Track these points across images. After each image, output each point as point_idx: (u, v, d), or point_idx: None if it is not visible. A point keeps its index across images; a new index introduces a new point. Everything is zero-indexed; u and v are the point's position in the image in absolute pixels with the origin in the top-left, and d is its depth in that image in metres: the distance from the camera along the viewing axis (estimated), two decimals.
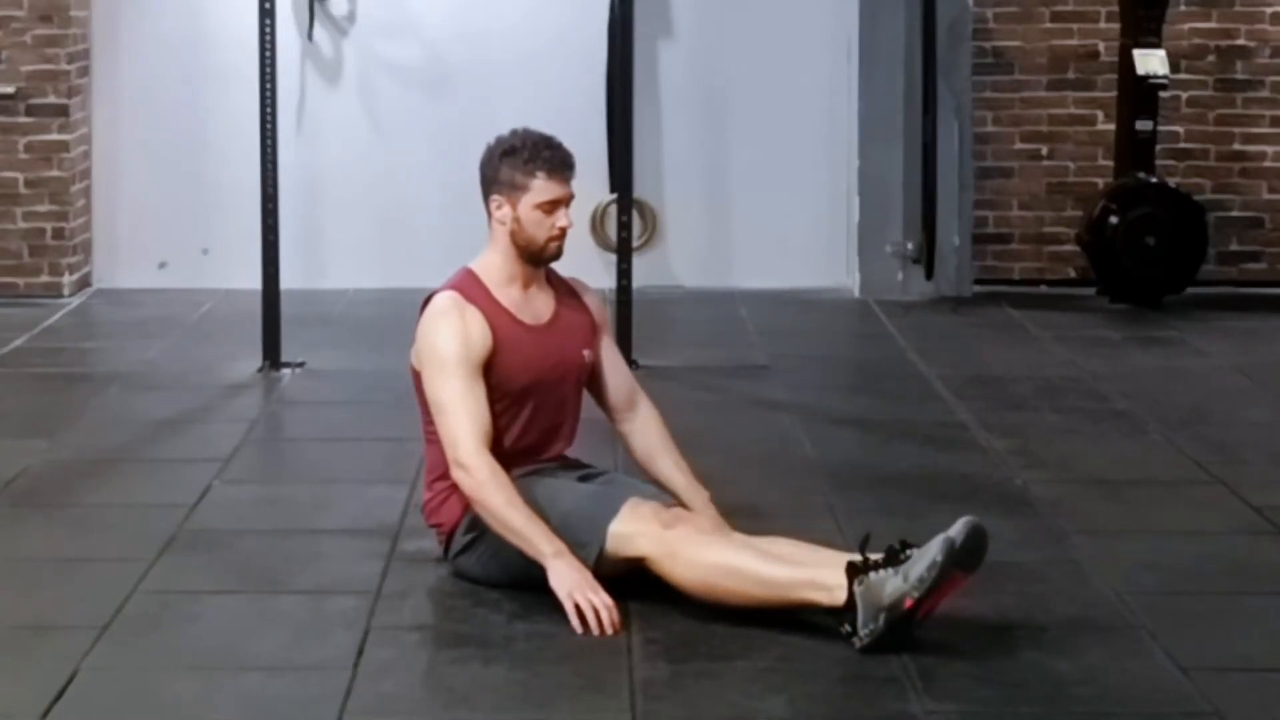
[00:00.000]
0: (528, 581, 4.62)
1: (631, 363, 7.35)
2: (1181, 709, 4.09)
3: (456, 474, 4.68)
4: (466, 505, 4.77)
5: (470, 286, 4.85)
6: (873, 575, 4.34)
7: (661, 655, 4.35)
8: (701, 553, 4.52)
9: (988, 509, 5.44)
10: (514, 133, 4.89)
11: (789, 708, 4.07)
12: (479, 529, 4.74)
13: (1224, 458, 6.16)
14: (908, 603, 4.28)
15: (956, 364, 7.65)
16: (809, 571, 4.44)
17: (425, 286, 4.97)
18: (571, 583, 4.52)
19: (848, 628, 4.34)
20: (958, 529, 4.35)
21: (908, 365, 7.66)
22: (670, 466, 4.97)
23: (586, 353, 4.97)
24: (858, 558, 4.39)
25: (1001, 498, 5.70)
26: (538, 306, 4.92)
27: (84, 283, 9.15)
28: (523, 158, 4.82)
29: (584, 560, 4.58)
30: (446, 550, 4.88)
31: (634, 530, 4.58)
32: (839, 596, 4.36)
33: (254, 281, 7.49)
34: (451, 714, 4.08)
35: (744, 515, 5.03)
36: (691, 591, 4.53)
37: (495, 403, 4.78)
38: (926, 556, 4.30)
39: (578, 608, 4.47)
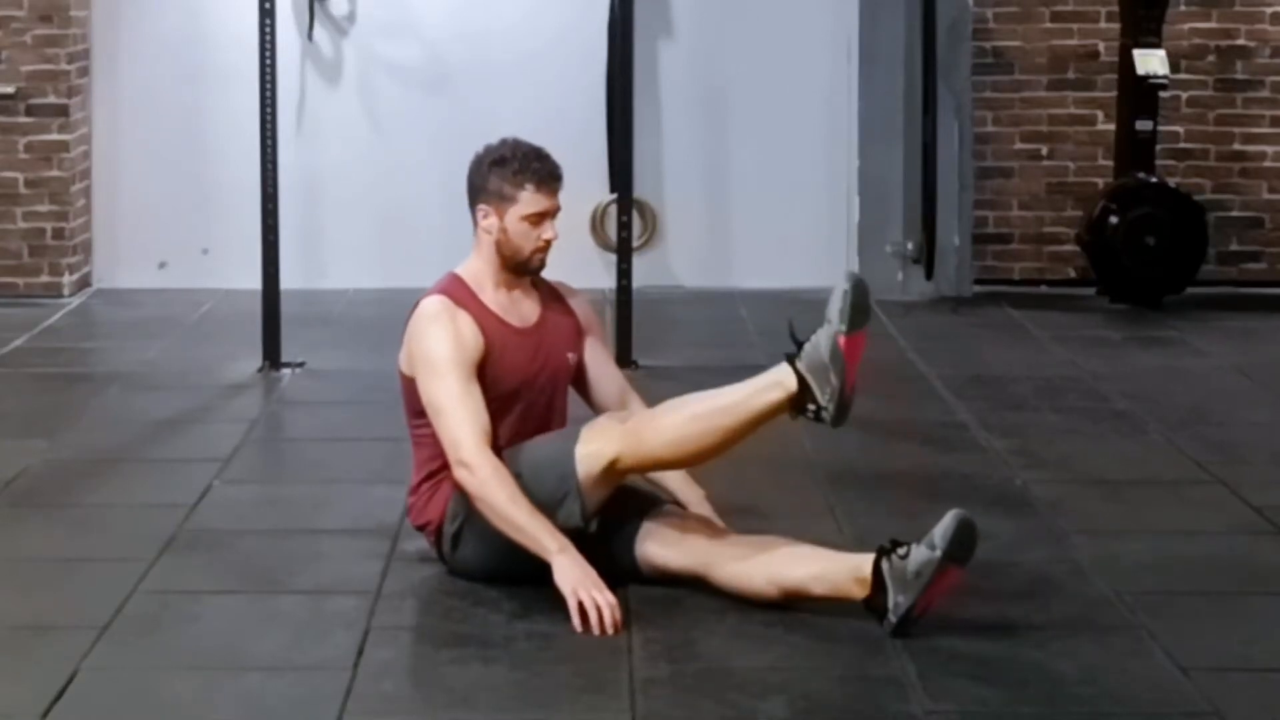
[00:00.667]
0: (521, 564, 4.62)
1: (632, 363, 7.37)
2: (1181, 709, 4.09)
3: (459, 473, 4.69)
4: (447, 499, 4.78)
5: (458, 291, 4.86)
6: (805, 346, 4.53)
7: (661, 655, 4.35)
8: (660, 422, 4.64)
9: (988, 509, 5.44)
10: (504, 143, 4.89)
11: (789, 708, 4.07)
12: (463, 515, 4.75)
13: (1224, 458, 6.16)
14: (841, 341, 4.48)
15: (956, 364, 7.65)
16: (758, 378, 4.60)
17: (425, 286, 4.97)
18: (575, 579, 4.52)
19: (811, 407, 4.52)
20: (944, 524, 4.38)
21: (908, 365, 7.67)
22: None
23: (571, 355, 4.99)
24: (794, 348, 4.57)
25: (1001, 498, 5.71)
26: (524, 309, 4.94)
27: (84, 283, 9.15)
28: (512, 169, 4.83)
29: (569, 496, 4.62)
30: (439, 550, 4.89)
31: (596, 442, 4.65)
32: (791, 383, 4.52)
33: (254, 281, 7.49)
34: (451, 714, 4.08)
35: (744, 515, 5.04)
36: (671, 458, 4.65)
37: (485, 405, 4.79)
38: (835, 292, 4.53)
39: (581, 606, 4.48)
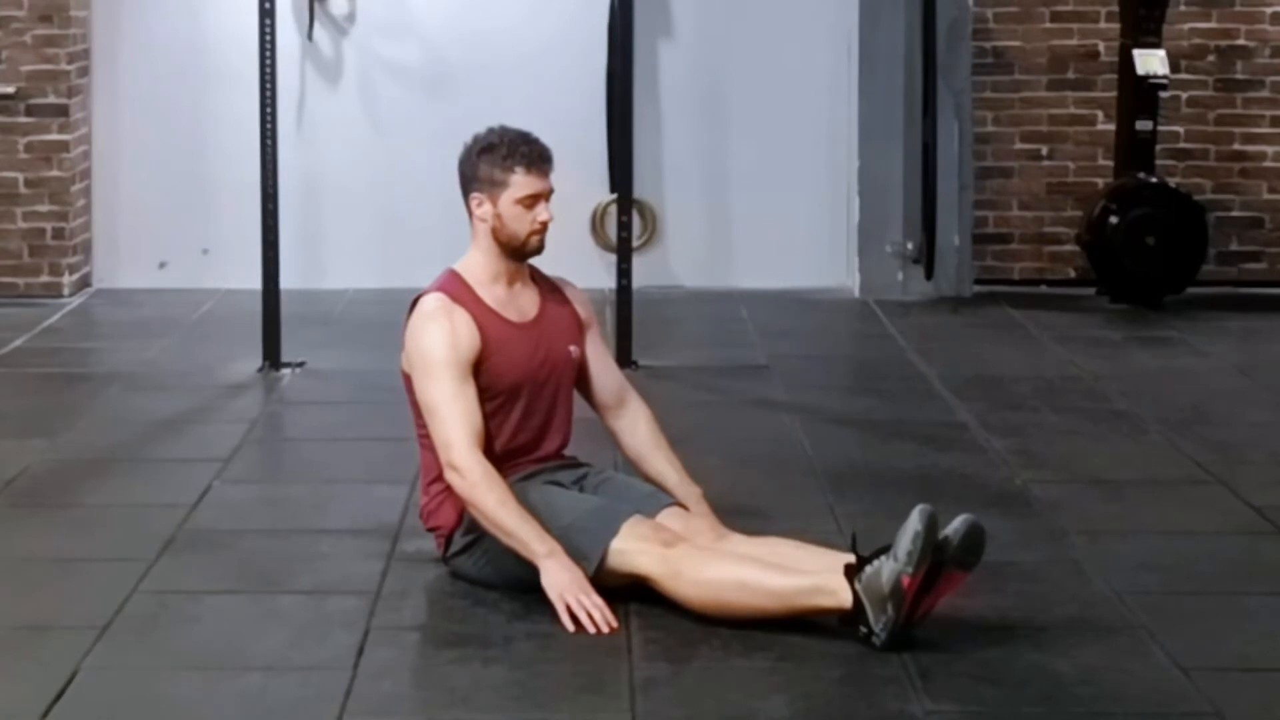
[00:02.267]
0: (525, 586, 4.62)
1: (632, 363, 7.36)
2: (1181, 709, 4.09)
3: (449, 475, 4.68)
4: (464, 507, 4.77)
5: (456, 288, 4.85)
6: (867, 569, 4.35)
7: (661, 655, 4.35)
8: (705, 570, 4.52)
9: (988, 509, 5.44)
10: (490, 130, 4.90)
11: (789, 708, 4.07)
12: (477, 532, 4.75)
13: (1224, 458, 6.16)
14: (905, 580, 4.28)
15: (956, 364, 7.65)
16: (814, 578, 4.44)
17: (425, 286, 4.97)
18: (562, 584, 4.52)
19: (863, 629, 4.34)
20: (955, 527, 4.36)
21: (908, 365, 7.67)
22: (662, 463, 4.98)
23: (574, 348, 4.97)
24: (853, 558, 4.40)
25: (1001, 498, 5.70)
26: (523, 304, 4.93)
27: (84, 283, 9.15)
28: (501, 154, 4.82)
29: (585, 572, 4.57)
30: (445, 552, 4.89)
31: (635, 549, 4.58)
32: (845, 600, 4.36)
33: (254, 281, 7.49)
34: (451, 714, 4.08)
35: (744, 515, 5.03)
36: (697, 608, 4.52)
37: (486, 402, 4.79)
38: (908, 530, 4.31)
39: (570, 609, 4.48)
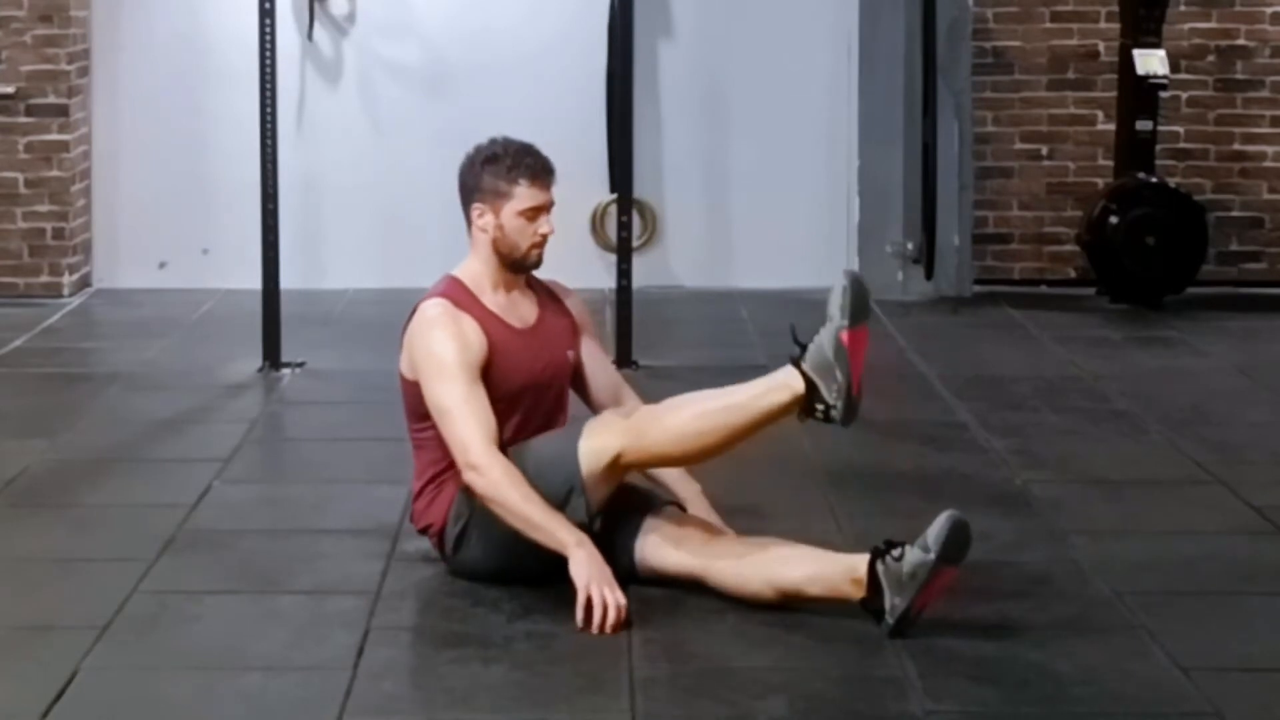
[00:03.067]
0: (524, 561, 4.64)
1: (632, 363, 7.37)
2: (1181, 709, 4.09)
3: (469, 476, 4.69)
4: (450, 501, 4.78)
5: (458, 293, 4.86)
6: (809, 348, 4.53)
7: (661, 655, 4.35)
8: (665, 419, 4.64)
9: (988, 509, 5.45)
10: (494, 141, 4.91)
11: (789, 708, 4.07)
12: (466, 516, 4.76)
13: (1224, 458, 6.16)
14: (844, 336, 4.48)
15: (956, 364, 7.65)
16: (764, 381, 4.60)
17: (425, 286, 4.97)
18: (590, 574, 4.52)
19: (820, 406, 4.53)
20: (937, 525, 4.40)
21: (908, 365, 7.67)
22: None
23: (570, 353, 5.00)
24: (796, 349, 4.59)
25: (1001, 498, 5.71)
26: (523, 310, 4.94)
27: (84, 283, 9.15)
28: (505, 165, 4.84)
29: (573, 493, 4.62)
30: (442, 551, 4.89)
31: (599, 437, 4.65)
32: (797, 385, 4.52)
33: (254, 281, 7.49)
34: (451, 714, 4.08)
35: (744, 515, 5.04)
36: (674, 455, 4.66)
37: (491, 407, 4.79)
38: (834, 291, 4.54)
39: (588, 602, 4.48)
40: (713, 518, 4.91)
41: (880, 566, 4.42)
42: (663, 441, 4.62)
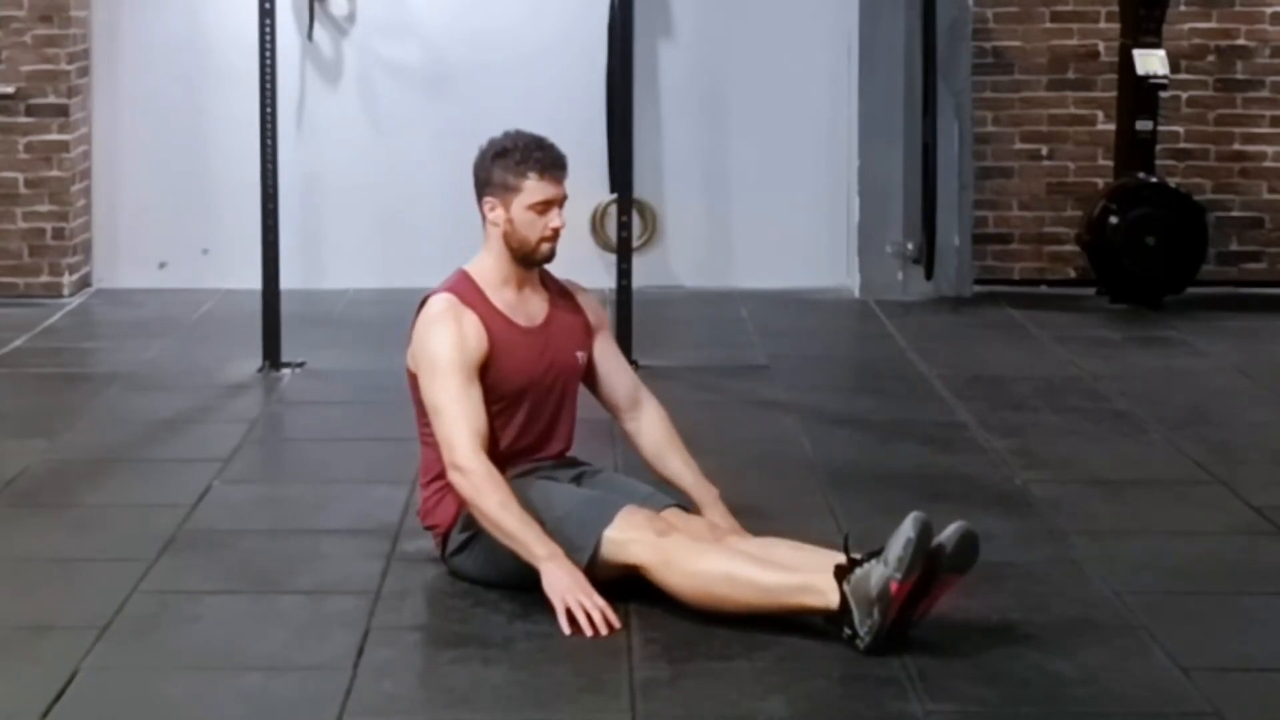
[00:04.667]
0: (522, 582, 4.62)
1: (632, 363, 7.35)
2: (1181, 709, 4.09)
3: (452, 476, 4.69)
4: (461, 505, 4.78)
5: (465, 289, 4.85)
6: (857, 571, 4.35)
7: (661, 655, 4.35)
8: (696, 561, 4.53)
9: (988, 509, 5.45)
10: (506, 134, 4.90)
11: (789, 708, 4.07)
12: (474, 528, 4.75)
13: (1224, 458, 6.16)
14: (893, 586, 4.27)
15: (956, 364, 7.65)
16: (803, 576, 4.44)
17: (425, 286, 4.97)
18: (564, 586, 4.52)
19: (848, 631, 4.34)
20: (949, 534, 4.36)
21: (908, 365, 7.67)
22: (679, 464, 4.99)
23: (580, 354, 4.98)
24: (845, 560, 4.41)
25: (1001, 498, 5.70)
26: (532, 308, 4.93)
27: (84, 283, 9.15)
28: (515, 159, 4.83)
29: (578, 564, 4.58)
30: (443, 551, 4.89)
31: (629, 537, 4.58)
32: (832, 600, 4.37)
33: (254, 281, 7.49)
34: (451, 714, 4.08)
35: (744, 515, 5.03)
36: (688, 599, 4.53)
37: (491, 404, 4.79)
38: (900, 536, 4.30)
39: (569, 611, 4.48)
40: (731, 522, 4.89)
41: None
42: (684, 584, 4.52)
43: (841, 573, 4.37)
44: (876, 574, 4.31)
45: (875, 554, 4.36)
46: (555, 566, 4.55)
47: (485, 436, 4.72)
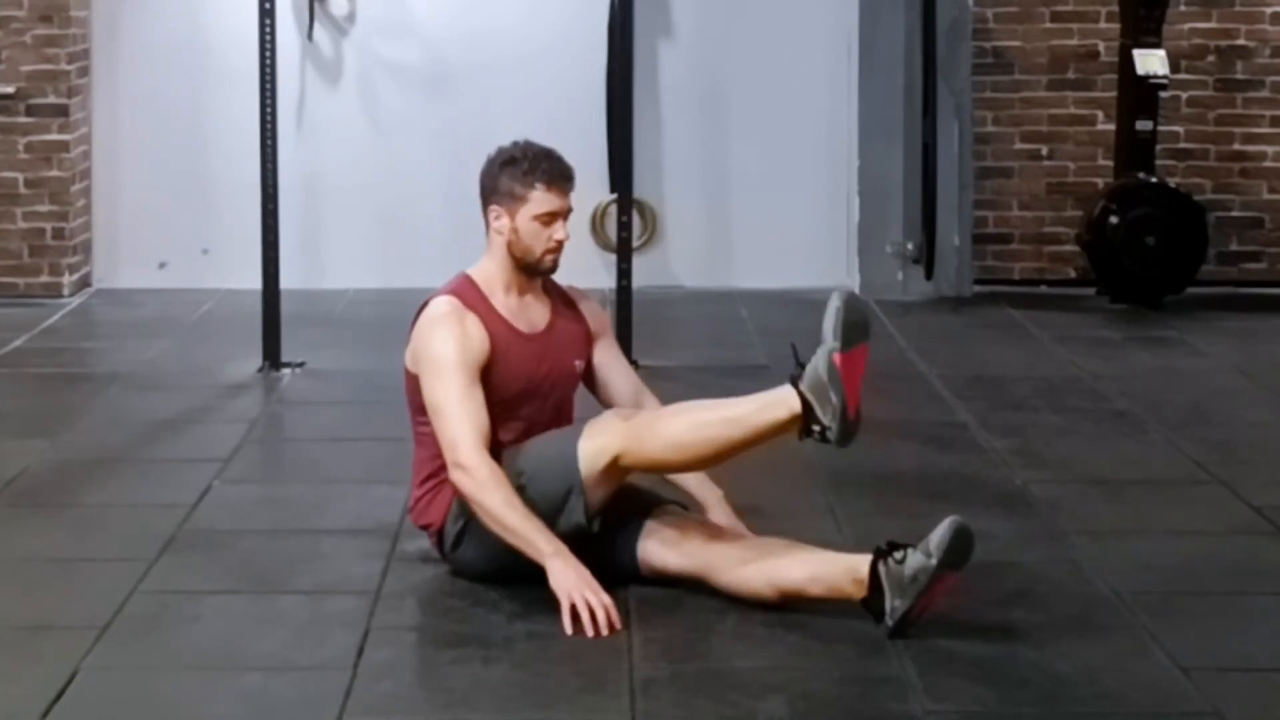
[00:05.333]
0: (524, 566, 4.62)
1: (632, 363, 7.35)
2: (1181, 709, 4.09)
3: (455, 475, 4.69)
4: (451, 499, 4.78)
5: (468, 292, 4.86)
6: (806, 369, 4.50)
7: (661, 655, 4.35)
8: (663, 425, 4.63)
9: (988, 509, 5.45)
10: (515, 144, 4.91)
11: (789, 708, 4.07)
12: (467, 517, 4.76)
13: (1224, 458, 6.17)
14: (836, 359, 4.45)
15: (956, 364, 7.65)
16: (762, 397, 4.58)
17: (425, 286, 4.97)
18: (570, 583, 4.53)
19: (816, 428, 4.52)
20: (940, 531, 4.39)
21: (908, 365, 7.67)
22: None
23: (578, 363, 4.99)
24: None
25: (1001, 498, 5.70)
26: (533, 314, 4.94)
27: (84, 283, 9.15)
28: (522, 169, 4.84)
29: (572, 492, 4.62)
30: (441, 549, 4.89)
31: (598, 439, 4.64)
32: (794, 404, 4.50)
33: (254, 281, 7.49)
34: (451, 714, 4.08)
35: (744, 515, 5.03)
36: (672, 463, 4.65)
37: (489, 409, 4.79)
38: (828, 311, 4.50)
39: (574, 609, 4.48)
40: (735, 523, 4.91)
41: (882, 568, 4.42)
42: (659, 448, 4.62)
43: (795, 380, 4.53)
44: (820, 357, 4.47)
45: (892, 549, 4.46)
46: (561, 563, 4.56)
47: (488, 436, 4.73)
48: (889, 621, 4.40)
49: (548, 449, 4.73)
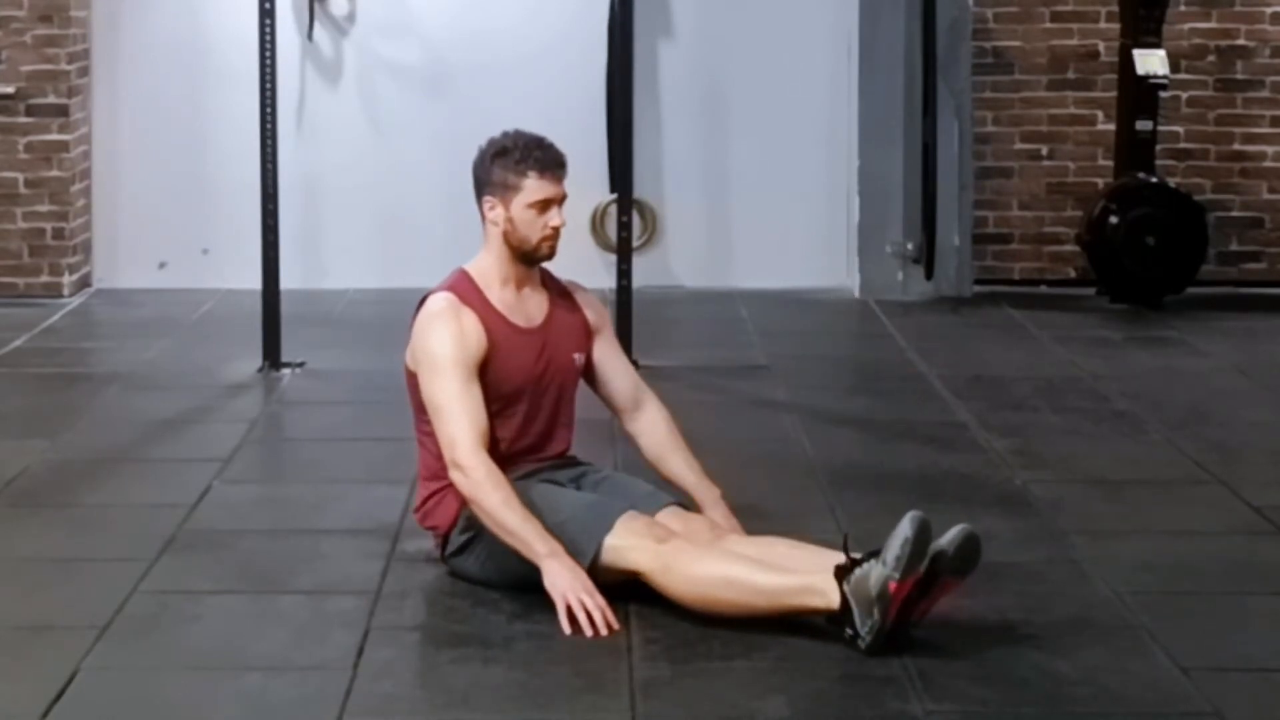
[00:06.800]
0: (524, 583, 4.62)
1: (632, 363, 7.35)
2: (1181, 709, 4.09)
3: (453, 474, 4.69)
4: (460, 505, 4.78)
5: (465, 288, 4.86)
6: (856, 572, 4.34)
7: (661, 655, 4.35)
8: (696, 566, 4.52)
9: (988, 509, 5.45)
10: (505, 134, 4.90)
11: (789, 708, 4.07)
12: (474, 529, 4.75)
13: (1224, 458, 6.17)
14: (892, 586, 4.27)
15: (956, 364, 7.65)
16: (803, 578, 4.44)
17: (425, 286, 4.97)
18: (565, 583, 4.52)
19: (849, 631, 4.34)
20: (950, 537, 4.36)
21: (908, 365, 7.67)
22: (680, 464, 4.99)
23: (578, 356, 4.98)
24: (845, 560, 4.41)
25: (1001, 498, 5.70)
26: (531, 309, 4.93)
27: (84, 283, 9.15)
28: (514, 158, 4.83)
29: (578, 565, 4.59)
30: (443, 551, 4.89)
31: (628, 544, 4.58)
32: (833, 600, 4.37)
33: (254, 281, 7.49)
34: (451, 714, 4.08)
35: (744, 515, 5.03)
36: (688, 604, 4.52)
37: (489, 405, 4.79)
38: (898, 536, 4.30)
39: (570, 610, 4.48)
40: (732, 523, 4.89)
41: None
42: (683, 588, 4.52)
43: (841, 573, 4.37)
44: (876, 574, 4.31)
45: (874, 554, 4.35)
46: (557, 564, 4.55)
47: (486, 434, 4.72)
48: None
49: (578, 516, 4.66)
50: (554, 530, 4.62)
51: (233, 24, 8.67)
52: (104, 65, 9.19)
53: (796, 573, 4.47)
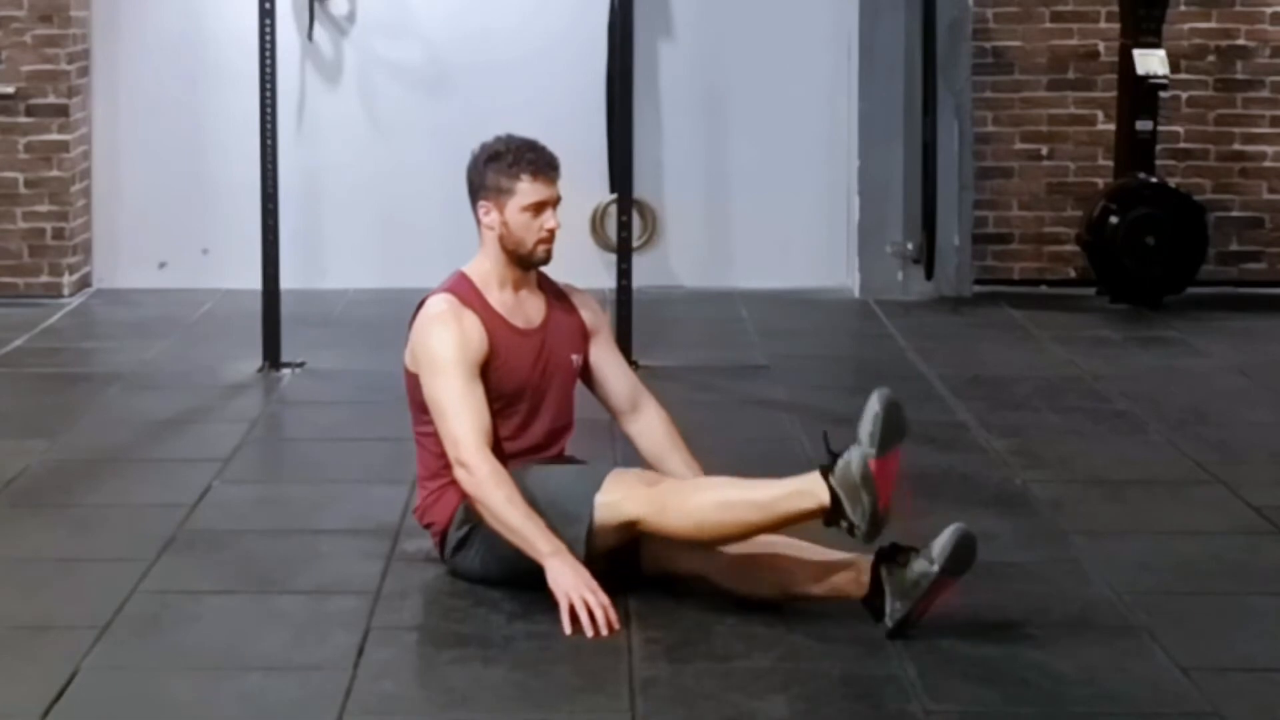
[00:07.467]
0: (523, 577, 4.63)
1: (632, 363, 7.35)
2: (1181, 709, 4.09)
3: (458, 473, 4.70)
4: (458, 502, 4.79)
5: (465, 290, 4.86)
6: (838, 463, 4.44)
7: (661, 655, 4.35)
8: (689, 499, 4.59)
9: (988, 509, 5.45)
10: (498, 138, 4.91)
11: (789, 708, 4.07)
12: (471, 524, 4.76)
13: (1224, 458, 6.17)
14: (872, 465, 4.38)
15: (956, 364, 7.65)
16: (792, 483, 4.53)
17: (425, 286, 4.97)
18: (568, 582, 4.53)
19: (844, 524, 4.42)
20: (943, 538, 4.39)
21: (908, 365, 7.67)
22: (679, 465, 4.99)
23: (575, 357, 4.99)
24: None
25: (1001, 498, 5.71)
26: (529, 310, 4.94)
27: (84, 283, 9.15)
28: (507, 161, 4.84)
29: (576, 537, 4.60)
30: (442, 550, 4.90)
31: (620, 496, 4.62)
32: (823, 497, 4.44)
33: (254, 281, 7.49)
34: (451, 714, 4.08)
35: None
36: (690, 536, 4.59)
37: (489, 405, 4.79)
38: (868, 413, 4.44)
39: (572, 609, 4.48)
40: None
41: (884, 570, 4.43)
42: (680, 522, 4.57)
43: (826, 471, 4.46)
44: (855, 457, 4.42)
45: (899, 550, 4.44)
46: (560, 563, 4.56)
47: (489, 433, 4.73)
48: (888, 623, 4.41)
49: (567, 485, 4.70)
50: (546, 503, 4.65)
51: (233, 24, 8.67)
52: (104, 65, 9.19)
53: (783, 481, 4.55)
